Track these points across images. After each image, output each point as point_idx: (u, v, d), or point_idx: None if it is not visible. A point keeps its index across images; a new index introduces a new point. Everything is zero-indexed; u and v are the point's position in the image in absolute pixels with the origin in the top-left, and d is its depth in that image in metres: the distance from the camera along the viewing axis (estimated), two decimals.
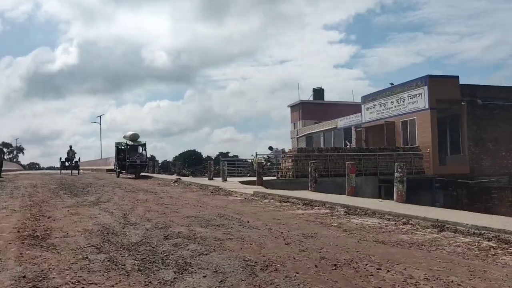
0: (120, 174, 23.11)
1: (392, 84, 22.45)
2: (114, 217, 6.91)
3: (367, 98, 23.89)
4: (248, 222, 6.37)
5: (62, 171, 25.02)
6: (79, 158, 26.62)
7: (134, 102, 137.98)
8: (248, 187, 13.46)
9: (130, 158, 21.65)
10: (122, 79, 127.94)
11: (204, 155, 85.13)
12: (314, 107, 39.30)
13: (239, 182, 15.70)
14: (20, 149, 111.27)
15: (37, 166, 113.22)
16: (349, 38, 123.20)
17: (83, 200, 9.82)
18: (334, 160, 17.39)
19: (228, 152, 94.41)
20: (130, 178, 21.88)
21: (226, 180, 16.41)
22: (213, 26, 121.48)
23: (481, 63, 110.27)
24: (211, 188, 13.40)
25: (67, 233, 5.46)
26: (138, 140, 23.00)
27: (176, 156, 61.59)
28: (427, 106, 19.21)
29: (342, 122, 29.91)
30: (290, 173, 16.84)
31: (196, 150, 73.29)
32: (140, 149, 23.01)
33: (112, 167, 38.16)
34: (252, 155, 31.17)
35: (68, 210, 7.84)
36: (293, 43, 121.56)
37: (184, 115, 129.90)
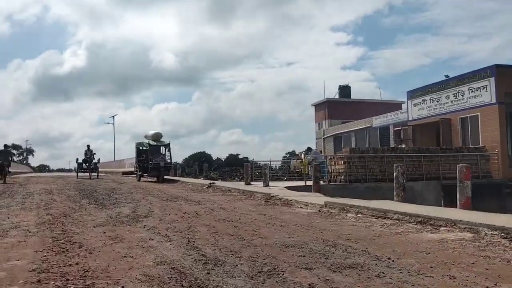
0: (141, 178, 21.00)
1: (447, 76, 20.06)
2: (177, 246, 4.70)
3: (415, 93, 21.48)
4: (390, 260, 4.10)
5: (79, 173, 22.58)
6: (99, 159, 24.22)
7: (143, 104, 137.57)
8: (306, 194, 11.21)
9: (153, 160, 19.52)
10: (130, 82, 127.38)
11: (214, 157, 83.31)
12: (341, 106, 36.93)
13: (285, 187, 13.44)
14: (30, 151, 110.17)
15: (46, 168, 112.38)
16: (357, 39, 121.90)
17: (116, 213, 7.64)
18: (392, 162, 15.03)
19: (238, 154, 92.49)
20: (152, 182, 19.75)
21: (268, 185, 14.18)
22: (220, 28, 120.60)
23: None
24: (259, 196, 11.18)
25: (123, 286, 3.25)
26: (161, 140, 20.86)
27: (186, 158, 59.61)
28: (493, 100, 16.78)
29: (378, 120, 27.53)
30: (342, 177, 14.54)
31: (206, 152, 71.51)
32: (163, 150, 20.89)
33: (128, 169, 36.16)
34: (287, 154, 29.00)
35: (104, 232, 5.64)
36: (299, 45, 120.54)
37: (192, 117, 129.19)
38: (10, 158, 21.89)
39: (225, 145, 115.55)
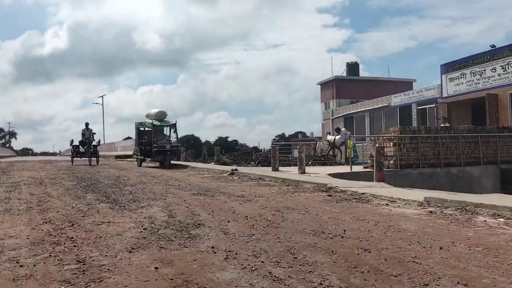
0: (143, 162, 18.46)
1: (493, 46, 17.79)
2: None
3: (452, 66, 19.21)
4: None
5: (75, 158, 19.04)
6: (99, 141, 20.57)
7: (127, 86, 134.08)
8: (369, 184, 8.92)
9: (158, 142, 16.95)
10: (114, 63, 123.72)
11: (203, 140, 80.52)
12: (349, 84, 34.58)
13: (328, 175, 11.12)
14: (12, 134, 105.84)
15: (30, 152, 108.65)
16: (343, 22, 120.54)
17: (146, 219, 5.19)
18: (446, 145, 12.85)
19: (227, 137, 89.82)
20: (156, 167, 17.25)
21: (304, 172, 11.85)
22: (206, 8, 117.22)
23: (475, 47, 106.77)
24: (310, 187, 8.86)
25: None
26: (166, 120, 18.26)
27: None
28: None
29: (398, 99, 25.31)
30: (391, 162, 12.27)
31: (194, 135, 68.77)
32: (166, 131, 18.32)
33: (121, 153, 33.37)
34: (276, 137, 26.60)
35: (151, 264, 3.22)
36: (286, 27, 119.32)
37: (177, 100, 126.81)
38: None
39: (211, 128, 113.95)
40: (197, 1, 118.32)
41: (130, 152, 30.98)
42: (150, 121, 17.65)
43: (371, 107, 27.57)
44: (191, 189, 8.53)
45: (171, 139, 17.67)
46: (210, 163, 18.57)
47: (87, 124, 19.39)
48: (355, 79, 35.26)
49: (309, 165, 16.43)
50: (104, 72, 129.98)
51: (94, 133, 19.21)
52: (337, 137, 17.00)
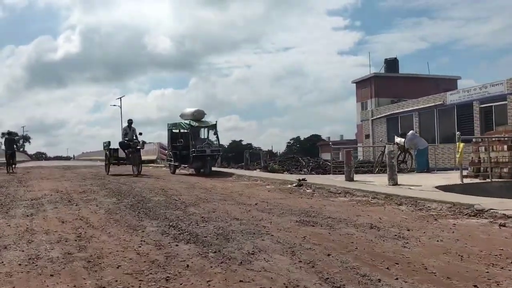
0: (176, 169, 16.11)
1: None
2: None
3: None
4: None
5: (112, 164, 15.40)
6: (143, 142, 16.20)
7: (139, 90, 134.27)
8: None
9: (197, 146, 14.57)
10: (125, 67, 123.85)
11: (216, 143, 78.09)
12: (389, 82, 31.85)
13: (435, 188, 8.55)
14: (26, 138, 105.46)
15: (43, 156, 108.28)
16: (354, 24, 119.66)
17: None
18: None
19: (241, 140, 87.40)
20: (192, 175, 14.87)
21: (397, 184, 9.30)
22: (216, 11, 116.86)
23: (488, 48, 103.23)
24: (444, 208, 6.33)
25: None
26: (204, 120, 15.88)
27: None
28: None
29: (455, 96, 22.54)
30: (505, 170, 9.65)
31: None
32: (203, 133, 15.93)
33: (143, 157, 30.87)
34: (381, 140, 24.09)
35: None
36: (296, 29, 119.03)
37: (188, 103, 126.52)
38: (15, 146, 18.89)
39: (222, 131, 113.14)
40: (208, 4, 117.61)
41: (154, 157, 28.83)
42: (187, 121, 15.26)
43: (421, 106, 24.84)
44: (283, 212, 6.06)
45: (210, 142, 15.28)
46: (256, 169, 16.10)
47: (130, 122, 15.17)
48: (395, 76, 32.50)
49: (379, 173, 13.92)
50: (115, 76, 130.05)
51: (140, 133, 15.03)
52: (406, 139, 14.44)
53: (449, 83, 32.65)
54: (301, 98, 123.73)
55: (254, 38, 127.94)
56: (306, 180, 10.37)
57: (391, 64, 32.85)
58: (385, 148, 14.42)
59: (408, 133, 15.10)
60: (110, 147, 15.77)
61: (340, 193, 8.66)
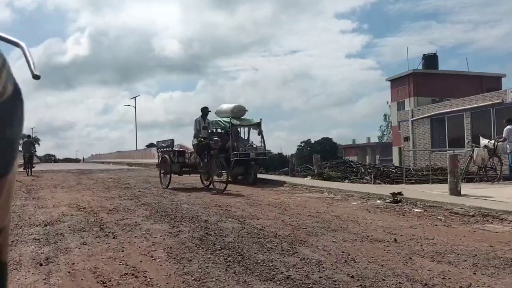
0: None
1: None
2: None
3: None
4: None
5: (171, 176, 10.82)
6: (216, 140, 10.22)
7: (147, 93, 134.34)
8: None
9: (240, 148, 12.14)
10: (134, 70, 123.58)
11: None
12: (430, 79, 29.12)
13: None
14: (36, 140, 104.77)
15: (52, 158, 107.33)
16: (362, 27, 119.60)
17: None
18: None
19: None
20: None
21: None
22: (224, 14, 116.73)
23: (496, 52, 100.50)
24: None
25: None
26: (245, 117, 13.45)
27: None
28: None
29: None
30: None
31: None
32: (243, 133, 13.51)
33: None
34: (302, 143, 21.55)
35: None
36: (304, 33, 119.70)
37: (196, 106, 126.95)
38: (33, 150, 18.23)
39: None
40: (216, 7, 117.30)
41: None
42: (227, 119, 12.81)
43: (474, 105, 22.18)
44: (496, 265, 3.56)
45: (254, 144, 12.85)
46: (307, 177, 13.57)
47: (206, 111, 10.81)
48: (435, 73, 29.80)
49: (470, 182, 11.38)
50: (124, 79, 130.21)
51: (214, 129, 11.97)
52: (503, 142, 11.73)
53: (493, 81, 29.96)
54: (308, 101, 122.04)
55: (262, 41, 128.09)
56: (403, 194, 7.86)
57: (430, 60, 30.06)
58: (473, 152, 11.88)
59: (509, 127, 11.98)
60: (174, 148, 11.56)
61: (473, 215, 6.16)
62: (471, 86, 28.26)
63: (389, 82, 31.39)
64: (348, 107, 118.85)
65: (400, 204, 7.44)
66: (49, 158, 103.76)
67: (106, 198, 8.34)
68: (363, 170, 13.84)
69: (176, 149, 11.73)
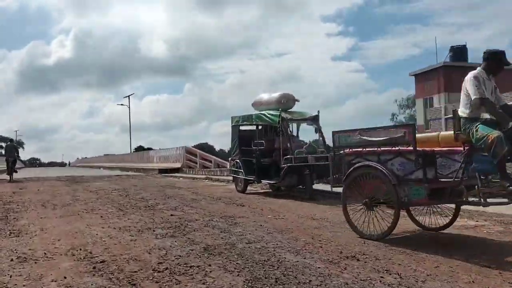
0: (248, 185, 10.61)
1: None
2: None
3: None
4: None
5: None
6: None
7: (133, 96, 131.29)
8: None
9: (296, 150, 9.04)
10: (119, 72, 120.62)
11: (217, 149, 74.35)
12: (457, 74, 26.40)
13: None
14: (20, 144, 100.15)
15: (37, 162, 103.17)
16: (347, 30, 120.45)
17: None
18: None
19: None
20: (276, 197, 9.35)
21: None
22: (212, 16, 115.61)
23: (480, 54, 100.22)
24: None
25: None
26: (295, 110, 10.34)
27: None
28: None
29: None
30: None
31: (208, 143, 63.15)
32: (291, 129, 10.28)
33: (164, 165, 24.81)
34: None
35: None
36: (291, 35, 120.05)
37: (183, 109, 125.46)
38: (16, 154, 17.89)
39: (216, 136, 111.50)
40: (203, 9, 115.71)
41: (178, 165, 23.46)
42: (275, 112, 9.64)
43: None
44: None
45: (308, 143, 9.77)
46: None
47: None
48: (467, 67, 27.11)
49: None
50: (109, 82, 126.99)
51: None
52: None
53: None
54: (296, 104, 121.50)
55: (249, 43, 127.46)
56: None
57: (459, 52, 27.36)
58: None
59: None
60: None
61: None
62: (508, 80, 25.64)
63: (413, 77, 28.66)
64: (335, 108, 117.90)
65: None
66: (34, 162, 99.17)
67: (129, 231, 5.18)
68: None
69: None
